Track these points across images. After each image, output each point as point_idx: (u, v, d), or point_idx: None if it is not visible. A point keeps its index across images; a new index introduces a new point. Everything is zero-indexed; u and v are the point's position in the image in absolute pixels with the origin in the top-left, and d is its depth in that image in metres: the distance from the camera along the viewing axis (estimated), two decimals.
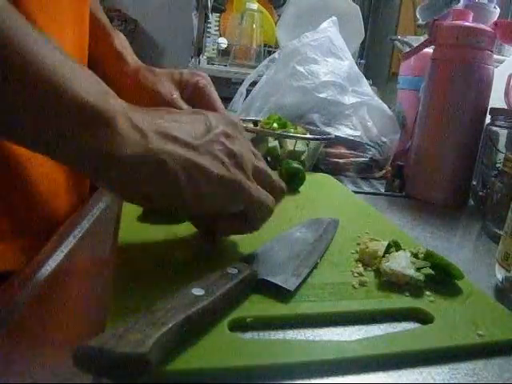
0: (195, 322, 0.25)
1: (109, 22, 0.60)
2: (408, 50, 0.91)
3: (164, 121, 0.33)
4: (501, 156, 0.64)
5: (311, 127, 0.83)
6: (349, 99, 0.88)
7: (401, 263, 0.36)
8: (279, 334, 0.29)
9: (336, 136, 0.82)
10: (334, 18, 0.99)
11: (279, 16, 1.99)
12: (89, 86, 0.29)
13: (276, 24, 1.93)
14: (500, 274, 0.41)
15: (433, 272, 0.37)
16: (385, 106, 0.91)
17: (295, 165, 0.62)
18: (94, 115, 0.28)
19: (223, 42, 1.95)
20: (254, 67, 1.26)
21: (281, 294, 0.32)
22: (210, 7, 1.92)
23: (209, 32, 2.07)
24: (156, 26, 2.66)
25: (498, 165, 0.66)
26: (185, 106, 0.53)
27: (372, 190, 0.75)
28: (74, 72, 0.29)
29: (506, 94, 0.74)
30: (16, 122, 0.28)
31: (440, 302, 0.34)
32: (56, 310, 0.32)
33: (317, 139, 0.76)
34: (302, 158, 0.74)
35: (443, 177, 0.70)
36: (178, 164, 0.31)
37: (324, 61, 0.91)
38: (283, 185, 0.39)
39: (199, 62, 1.86)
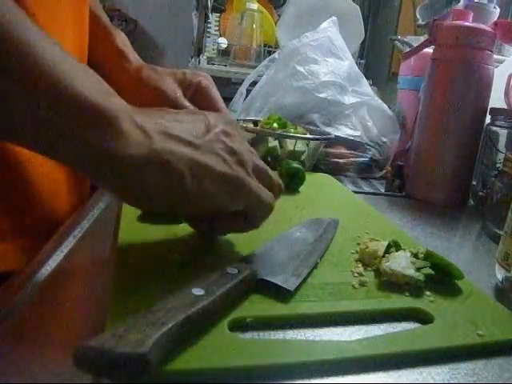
0: (195, 321, 0.25)
1: (109, 20, 0.60)
2: (408, 49, 0.91)
3: (165, 121, 0.33)
4: (501, 156, 0.64)
5: (311, 127, 0.83)
6: (349, 99, 0.88)
7: (401, 263, 0.36)
8: (279, 334, 0.28)
9: (336, 136, 0.82)
10: (334, 17, 0.99)
11: (279, 16, 1.99)
12: (90, 85, 0.29)
13: (276, 24, 1.93)
14: (500, 274, 0.41)
15: (433, 272, 0.37)
16: (385, 106, 0.91)
17: (295, 165, 0.62)
18: (95, 114, 0.28)
19: (223, 42, 1.95)
20: (254, 67, 1.26)
21: (281, 294, 0.32)
22: (210, 7, 1.92)
23: (209, 32, 2.07)
24: (156, 26, 2.66)
25: (498, 165, 0.66)
26: (188, 104, 0.54)
27: (372, 190, 0.75)
28: (74, 69, 0.28)
29: (506, 93, 0.74)
30: (14, 120, 0.27)
31: (440, 302, 0.34)
32: (56, 309, 0.32)
33: (317, 139, 0.76)
34: (302, 158, 0.74)
35: (443, 177, 0.70)
36: (182, 163, 0.31)
37: (324, 61, 0.91)
38: (281, 183, 0.39)
39: (199, 62, 1.86)
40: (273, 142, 0.73)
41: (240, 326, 0.28)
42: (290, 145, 0.73)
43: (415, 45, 0.80)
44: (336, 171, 0.81)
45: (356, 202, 0.61)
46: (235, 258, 0.36)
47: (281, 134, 0.73)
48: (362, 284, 0.35)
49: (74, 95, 0.27)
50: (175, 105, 0.53)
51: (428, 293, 0.35)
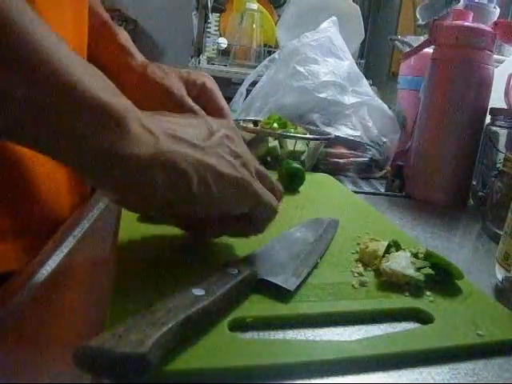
0: (195, 321, 0.25)
1: (110, 18, 0.60)
2: (408, 49, 0.91)
3: (169, 123, 0.33)
4: (501, 156, 0.64)
5: (311, 127, 0.83)
6: (349, 99, 0.88)
7: (401, 263, 0.36)
8: (279, 334, 0.28)
9: (336, 136, 0.82)
10: (334, 18, 0.99)
11: (279, 16, 2.00)
12: (94, 82, 0.28)
13: (276, 24, 1.93)
14: (500, 274, 0.41)
15: (433, 272, 0.37)
16: (385, 106, 0.91)
17: (295, 165, 0.62)
18: (102, 112, 0.27)
19: (223, 42, 1.95)
20: (254, 67, 1.25)
21: (281, 294, 0.32)
22: (210, 7, 1.93)
23: (209, 32, 2.07)
24: (156, 26, 2.67)
25: (498, 165, 0.66)
26: (193, 104, 0.54)
27: (372, 190, 0.76)
28: (75, 64, 0.28)
29: (506, 93, 0.74)
30: (14, 116, 0.26)
31: (440, 302, 0.34)
32: (56, 309, 0.32)
33: (317, 139, 0.76)
34: (302, 158, 0.74)
35: (443, 177, 0.70)
36: (188, 165, 0.30)
37: (324, 61, 0.91)
38: (281, 188, 0.39)
39: (199, 62, 1.86)
40: (273, 142, 0.73)
41: (240, 326, 0.28)
42: (290, 145, 0.74)
43: (415, 45, 0.80)
44: (336, 171, 0.81)
45: (356, 202, 0.61)
46: (235, 258, 0.36)
47: (281, 134, 0.73)
48: (362, 284, 0.35)
49: (80, 93, 0.27)
50: (180, 103, 0.53)
51: (428, 293, 0.35)
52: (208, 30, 2.05)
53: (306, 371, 0.25)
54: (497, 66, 0.75)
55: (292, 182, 0.62)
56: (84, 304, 0.34)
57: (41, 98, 0.26)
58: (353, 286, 0.35)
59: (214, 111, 0.56)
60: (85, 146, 0.27)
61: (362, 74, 0.96)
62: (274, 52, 1.09)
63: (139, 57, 0.58)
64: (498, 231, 0.52)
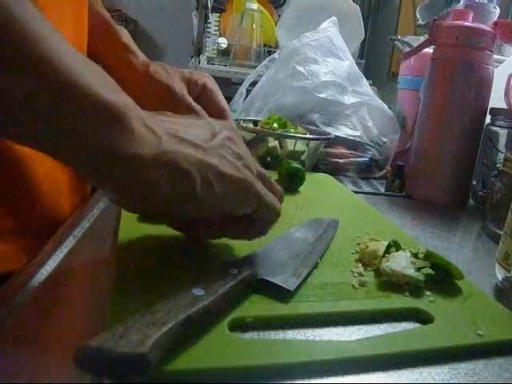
0: (195, 321, 0.25)
1: (110, 17, 0.60)
2: (408, 49, 0.91)
3: (172, 123, 0.33)
4: (501, 156, 0.64)
5: (311, 127, 0.83)
6: (349, 99, 0.88)
7: (401, 263, 0.36)
8: (279, 334, 0.28)
9: (336, 136, 0.82)
10: (334, 18, 0.99)
11: (279, 16, 1.99)
12: (95, 78, 0.28)
13: (276, 24, 1.93)
14: (500, 274, 0.41)
15: (433, 272, 0.37)
16: (385, 106, 0.91)
17: (295, 165, 0.62)
18: (104, 110, 0.27)
19: (223, 42, 1.95)
20: (254, 67, 1.26)
21: (281, 294, 0.32)
22: (210, 7, 1.93)
23: (209, 32, 2.07)
24: (156, 26, 2.67)
25: (498, 165, 0.66)
26: (194, 104, 0.54)
27: (372, 190, 0.76)
28: (75, 60, 0.28)
29: (506, 93, 0.74)
30: (14, 113, 0.26)
31: (440, 302, 0.34)
32: (56, 309, 0.32)
33: (317, 139, 0.76)
34: (302, 158, 0.74)
35: (443, 177, 0.70)
36: (191, 165, 0.30)
37: (324, 61, 0.91)
38: (281, 190, 0.39)
39: (199, 62, 1.86)
40: (273, 142, 0.73)
41: (240, 325, 0.28)
42: (290, 145, 0.74)
43: (415, 45, 0.80)
44: (336, 171, 0.81)
45: (356, 202, 0.61)
46: (235, 258, 0.36)
47: (281, 134, 0.73)
48: (362, 284, 0.35)
49: (81, 90, 0.27)
50: (181, 102, 0.53)
51: (428, 293, 0.35)
52: (208, 29, 2.05)
53: (306, 371, 0.25)
54: (497, 66, 0.75)
55: (292, 182, 0.62)
56: (84, 304, 0.34)
57: (41, 96, 0.26)
58: (353, 285, 0.35)
59: (215, 112, 0.56)
60: (85, 144, 0.27)
61: (362, 74, 0.96)
62: (274, 52, 1.09)
63: (141, 55, 0.58)
64: (498, 231, 0.52)
